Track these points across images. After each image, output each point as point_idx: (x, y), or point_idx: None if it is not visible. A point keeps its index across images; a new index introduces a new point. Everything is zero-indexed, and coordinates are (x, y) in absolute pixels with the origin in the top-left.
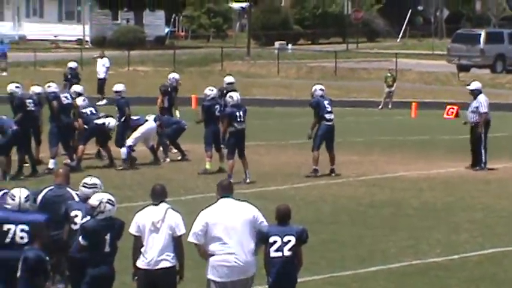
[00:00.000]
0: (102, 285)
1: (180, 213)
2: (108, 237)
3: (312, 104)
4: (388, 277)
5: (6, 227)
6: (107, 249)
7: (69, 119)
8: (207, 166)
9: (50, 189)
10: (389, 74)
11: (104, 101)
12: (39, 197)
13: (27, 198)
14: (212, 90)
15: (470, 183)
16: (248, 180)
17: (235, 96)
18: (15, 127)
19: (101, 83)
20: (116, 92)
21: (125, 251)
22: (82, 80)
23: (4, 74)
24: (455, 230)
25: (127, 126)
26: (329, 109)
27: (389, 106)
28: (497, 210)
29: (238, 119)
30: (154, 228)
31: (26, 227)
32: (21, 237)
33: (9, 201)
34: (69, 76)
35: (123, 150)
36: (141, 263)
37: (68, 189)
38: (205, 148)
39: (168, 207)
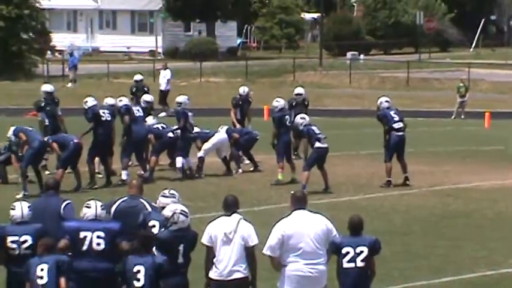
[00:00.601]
0: None
1: (252, 224)
2: (181, 248)
3: (378, 116)
4: (462, 287)
5: (82, 234)
6: (180, 260)
7: (143, 130)
8: (280, 177)
9: (124, 200)
10: (461, 84)
11: (164, 113)
12: (113, 208)
13: (102, 207)
14: (279, 102)
15: None
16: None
17: (307, 117)
18: (76, 140)
19: (163, 94)
20: (177, 103)
21: (197, 261)
22: (153, 91)
23: (69, 85)
24: None
25: (183, 137)
26: (396, 118)
27: (462, 116)
28: None
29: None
30: (227, 239)
31: (102, 234)
32: (98, 244)
33: (85, 210)
34: (134, 90)
35: (179, 159)
36: (213, 274)
37: (142, 200)
38: (277, 159)
39: (240, 217)
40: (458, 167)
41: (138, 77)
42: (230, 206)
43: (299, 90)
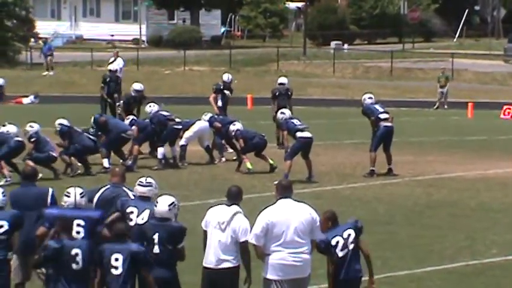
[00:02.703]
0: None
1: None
2: (156, 237)
3: (363, 111)
4: (444, 277)
5: None
6: (156, 250)
7: (119, 124)
8: (248, 165)
9: (107, 189)
10: (441, 74)
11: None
12: (96, 197)
13: (82, 195)
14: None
15: None
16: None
17: (287, 111)
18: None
19: None
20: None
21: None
22: (140, 80)
23: (45, 73)
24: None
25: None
26: (381, 110)
27: (445, 106)
28: None
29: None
30: (219, 227)
31: (82, 222)
32: (78, 232)
33: (65, 198)
34: (108, 79)
35: (160, 150)
36: (204, 262)
37: (124, 188)
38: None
39: (238, 211)
40: (442, 157)
41: (113, 66)
42: (231, 197)
43: (282, 79)
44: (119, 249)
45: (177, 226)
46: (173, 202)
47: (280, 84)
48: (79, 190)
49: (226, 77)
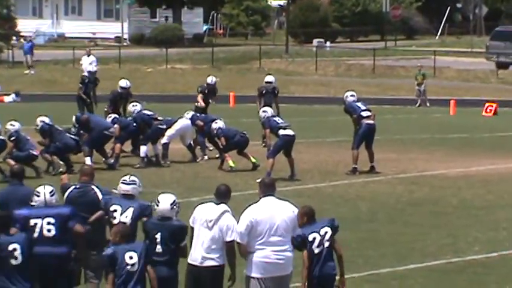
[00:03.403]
0: (159, 285)
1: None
2: (158, 236)
3: (345, 109)
4: (426, 274)
5: (33, 221)
6: (159, 249)
7: (101, 122)
8: (231, 164)
9: (75, 187)
10: (418, 71)
11: None
12: (65, 195)
13: (52, 193)
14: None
15: (509, 181)
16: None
17: (269, 110)
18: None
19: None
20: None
21: None
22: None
23: (27, 72)
24: (494, 228)
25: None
26: (364, 108)
27: (428, 104)
28: None
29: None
30: (206, 225)
31: (52, 220)
32: (49, 230)
33: (35, 198)
34: (86, 80)
35: (143, 148)
36: (189, 258)
37: (93, 186)
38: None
39: (226, 210)
40: (424, 155)
41: (91, 67)
42: (220, 196)
43: (269, 78)
44: (131, 247)
45: (179, 224)
46: (175, 200)
47: (267, 82)
48: (49, 188)
49: (210, 79)
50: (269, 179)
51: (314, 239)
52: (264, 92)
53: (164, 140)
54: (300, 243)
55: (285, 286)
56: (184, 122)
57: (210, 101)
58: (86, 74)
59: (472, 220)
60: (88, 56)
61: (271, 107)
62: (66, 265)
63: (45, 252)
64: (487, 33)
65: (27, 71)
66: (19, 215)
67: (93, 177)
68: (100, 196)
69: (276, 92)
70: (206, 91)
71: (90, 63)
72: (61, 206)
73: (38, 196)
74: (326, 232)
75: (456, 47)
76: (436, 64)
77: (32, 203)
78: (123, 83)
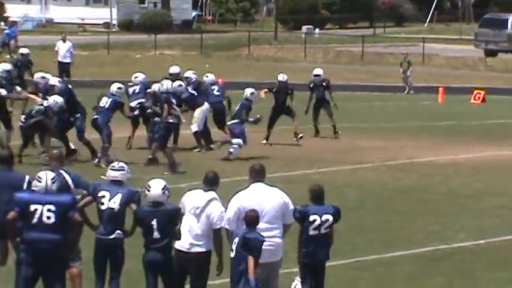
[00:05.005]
0: (154, 271)
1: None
2: (154, 223)
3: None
4: (413, 262)
5: (33, 207)
6: (156, 235)
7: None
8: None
9: (56, 174)
10: (403, 59)
11: None
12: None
13: (53, 180)
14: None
15: (497, 169)
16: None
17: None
18: None
19: (63, 66)
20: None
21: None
22: (110, 64)
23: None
24: (481, 215)
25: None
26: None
27: (412, 91)
28: None
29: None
30: (194, 213)
31: (53, 207)
32: (48, 217)
33: (36, 183)
34: (18, 64)
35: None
36: (176, 244)
37: (62, 171)
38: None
39: (214, 197)
40: (412, 142)
41: (24, 50)
42: (208, 183)
43: (317, 71)
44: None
45: (173, 208)
46: (165, 185)
47: (315, 76)
48: (51, 175)
49: (281, 76)
50: (259, 165)
51: (314, 220)
52: (312, 85)
53: (194, 128)
54: (299, 218)
55: (275, 272)
56: (205, 105)
57: (288, 102)
58: (19, 56)
59: (460, 208)
60: (64, 41)
61: (322, 101)
62: (60, 251)
63: (40, 238)
64: (476, 21)
65: (8, 56)
66: (20, 199)
67: (62, 162)
68: (69, 181)
69: (325, 84)
70: (275, 89)
71: (65, 49)
72: (62, 194)
73: (40, 182)
74: (327, 220)
75: (445, 34)
76: (425, 51)
77: (33, 188)
78: (23, 50)
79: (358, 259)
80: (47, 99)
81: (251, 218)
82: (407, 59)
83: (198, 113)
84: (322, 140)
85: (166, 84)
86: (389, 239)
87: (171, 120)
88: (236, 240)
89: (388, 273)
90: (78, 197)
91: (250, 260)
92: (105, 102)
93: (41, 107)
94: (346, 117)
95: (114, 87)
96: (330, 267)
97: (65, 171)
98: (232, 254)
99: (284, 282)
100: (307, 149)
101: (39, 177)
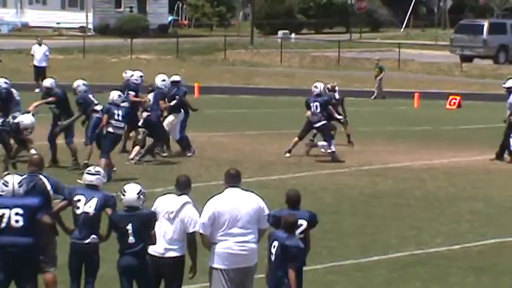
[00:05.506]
0: (129, 275)
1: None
2: (129, 227)
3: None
4: (390, 266)
5: (0, 212)
6: (131, 240)
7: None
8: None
9: (24, 178)
10: (376, 65)
11: (38, 89)
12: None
13: (20, 184)
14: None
15: (473, 173)
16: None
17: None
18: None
19: (38, 71)
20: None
21: (110, 240)
22: (85, 68)
23: None
24: (457, 220)
25: None
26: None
27: (379, 97)
28: (498, 201)
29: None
30: (168, 217)
31: (20, 211)
32: (16, 221)
33: (3, 188)
34: None
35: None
36: (150, 249)
37: (41, 176)
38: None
39: (187, 201)
40: (388, 147)
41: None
42: (180, 187)
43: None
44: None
45: (148, 213)
46: (141, 190)
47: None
48: (17, 179)
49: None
50: (234, 170)
51: None
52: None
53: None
54: (273, 223)
55: (250, 277)
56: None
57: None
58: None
59: (435, 212)
60: (40, 45)
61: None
62: (31, 255)
63: (10, 242)
64: (452, 26)
65: None
66: None
67: (42, 167)
68: (48, 187)
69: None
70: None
71: (44, 53)
72: (29, 197)
73: (7, 186)
74: (301, 225)
75: (421, 39)
76: (401, 57)
77: (0, 193)
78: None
79: (335, 264)
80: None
81: (290, 223)
82: (379, 65)
83: (173, 119)
84: (299, 144)
85: (112, 95)
86: (365, 243)
87: (111, 130)
88: (275, 244)
89: (365, 278)
90: (57, 201)
91: (292, 274)
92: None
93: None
94: None
95: (115, 96)
96: (307, 272)
97: (45, 176)
98: (272, 258)
99: None
100: (283, 153)
101: (5, 182)
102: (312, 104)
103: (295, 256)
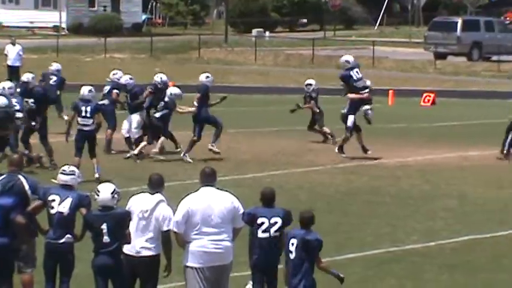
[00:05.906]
0: (104, 275)
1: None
2: (104, 227)
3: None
4: (365, 264)
5: None
6: (106, 240)
7: None
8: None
9: (3, 177)
10: None
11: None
12: None
13: None
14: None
15: (447, 171)
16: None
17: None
18: None
19: (12, 70)
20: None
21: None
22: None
23: None
24: (431, 217)
25: None
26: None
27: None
28: (472, 198)
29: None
30: (142, 216)
31: None
32: None
33: None
34: None
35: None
36: (125, 248)
37: (20, 176)
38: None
39: (161, 199)
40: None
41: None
42: (153, 185)
43: (309, 81)
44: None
45: (123, 212)
46: (115, 189)
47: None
48: None
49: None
50: (209, 168)
51: (262, 223)
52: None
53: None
54: (247, 221)
55: (225, 276)
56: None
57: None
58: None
59: (410, 210)
60: (13, 45)
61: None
62: (6, 256)
63: None
64: (425, 24)
65: None
66: None
67: (21, 167)
68: (26, 187)
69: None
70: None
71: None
72: (4, 197)
73: None
74: (276, 222)
75: (395, 37)
76: (375, 54)
77: None
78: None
79: None
80: None
81: (307, 220)
82: None
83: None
84: (273, 143)
85: (83, 91)
86: (341, 241)
87: (78, 127)
88: (293, 241)
89: None
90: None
91: (321, 262)
92: None
93: None
94: (297, 120)
95: (85, 91)
96: (282, 270)
97: (24, 176)
98: (292, 256)
99: (235, 287)
100: (258, 152)
101: None
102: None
103: (316, 248)
